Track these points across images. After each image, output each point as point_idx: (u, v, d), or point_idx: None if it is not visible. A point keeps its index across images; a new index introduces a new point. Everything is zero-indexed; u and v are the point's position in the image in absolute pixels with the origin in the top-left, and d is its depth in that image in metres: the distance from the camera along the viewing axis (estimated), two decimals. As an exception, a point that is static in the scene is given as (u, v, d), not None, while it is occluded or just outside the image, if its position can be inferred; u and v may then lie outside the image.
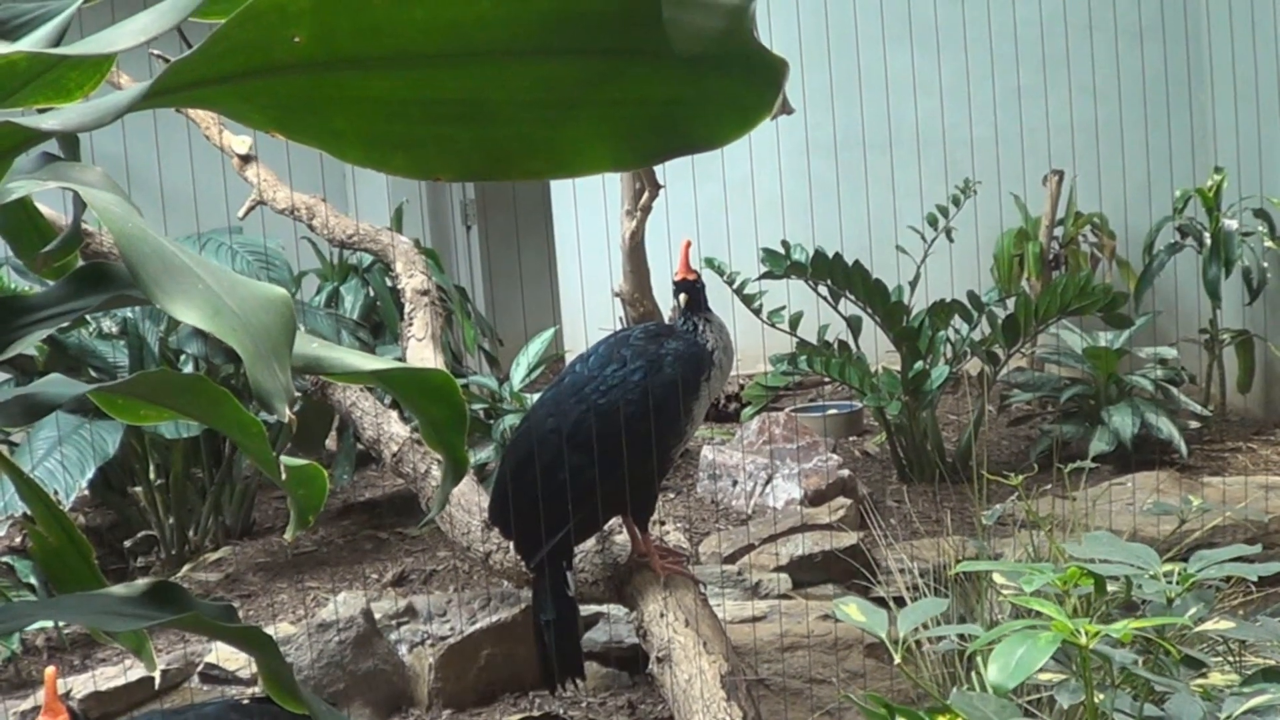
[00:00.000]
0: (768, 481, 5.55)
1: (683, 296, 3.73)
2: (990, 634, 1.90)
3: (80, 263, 1.67)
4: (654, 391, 3.61)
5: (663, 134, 1.02)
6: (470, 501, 4.24)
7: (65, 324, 1.39)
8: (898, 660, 1.99)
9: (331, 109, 1.07)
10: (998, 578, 2.56)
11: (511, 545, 3.88)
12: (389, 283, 6.28)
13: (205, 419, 1.69)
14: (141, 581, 1.47)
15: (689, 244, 3.85)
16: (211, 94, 1.11)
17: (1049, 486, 4.53)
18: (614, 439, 3.57)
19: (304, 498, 1.85)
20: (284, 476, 1.43)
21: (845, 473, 5.56)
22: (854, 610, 2.08)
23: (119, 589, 1.47)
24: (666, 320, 4.08)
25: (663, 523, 4.90)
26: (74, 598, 1.56)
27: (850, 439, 6.64)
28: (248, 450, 1.63)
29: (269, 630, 4.28)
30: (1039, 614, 1.95)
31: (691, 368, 3.67)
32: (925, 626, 2.38)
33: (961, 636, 2.27)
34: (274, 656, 1.48)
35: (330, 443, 6.55)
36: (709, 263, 5.75)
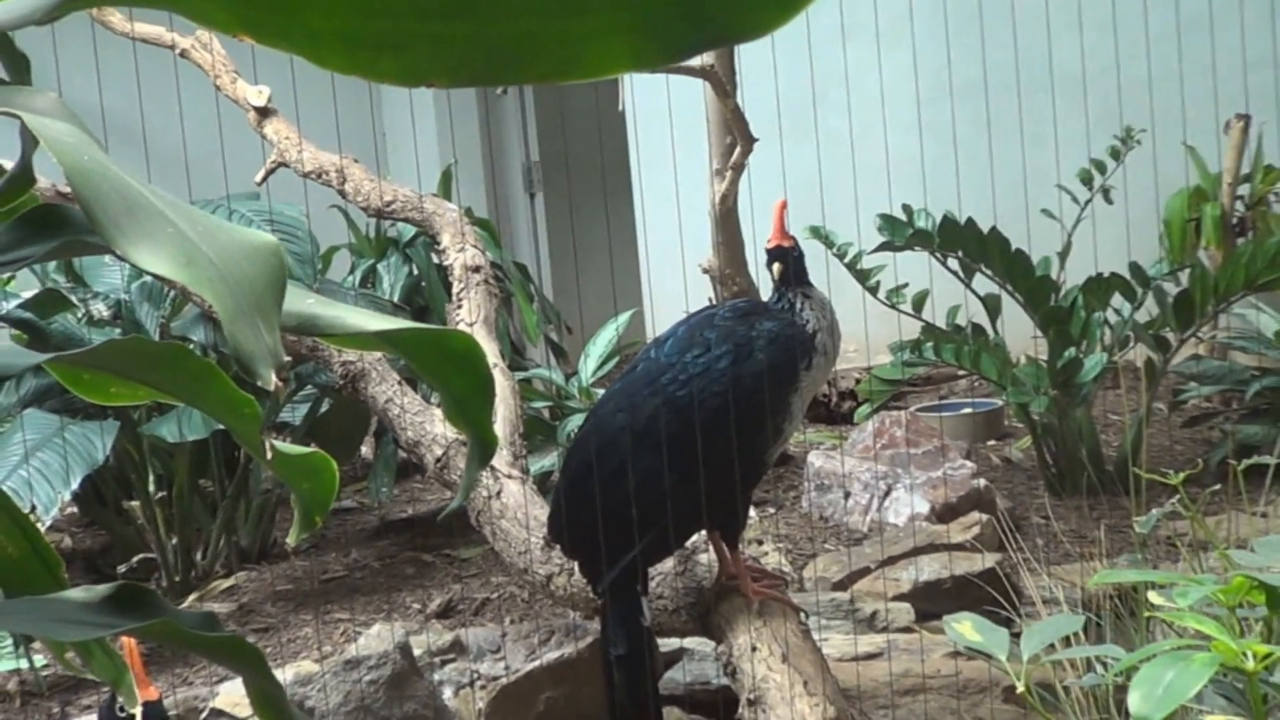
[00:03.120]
0: (887, 493, 5.53)
1: (777, 266, 3.70)
2: (1134, 656, 1.87)
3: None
4: (744, 382, 3.59)
5: (691, 22, 1.01)
6: (529, 515, 4.25)
7: (10, 272, 1.41)
8: (1020, 688, 1.97)
9: (307, 6, 1.07)
10: (1154, 598, 2.53)
11: (575, 566, 3.89)
12: (435, 259, 6.32)
13: (187, 397, 1.70)
14: (104, 586, 1.49)
15: (784, 204, 3.82)
16: (168, -10, 1.11)
17: (1220, 493, 4.45)
18: (696, 438, 3.56)
19: (309, 493, 1.85)
20: (269, 456, 1.44)
21: (981, 483, 5.53)
22: (968, 629, 2.05)
23: (76, 593, 1.49)
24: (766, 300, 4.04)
25: (760, 542, 4.90)
26: (21, 602, 1.58)
27: (988, 443, 6.61)
28: (239, 435, 1.64)
29: (287, 670, 4.32)
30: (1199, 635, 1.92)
31: (789, 353, 3.64)
32: (1053, 648, 2.35)
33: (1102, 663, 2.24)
34: (263, 674, 1.49)
35: (367, 450, 6.62)
36: (814, 232, 5.74)
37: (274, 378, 1.32)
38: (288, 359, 1.39)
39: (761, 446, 3.67)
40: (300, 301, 1.55)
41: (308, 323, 1.54)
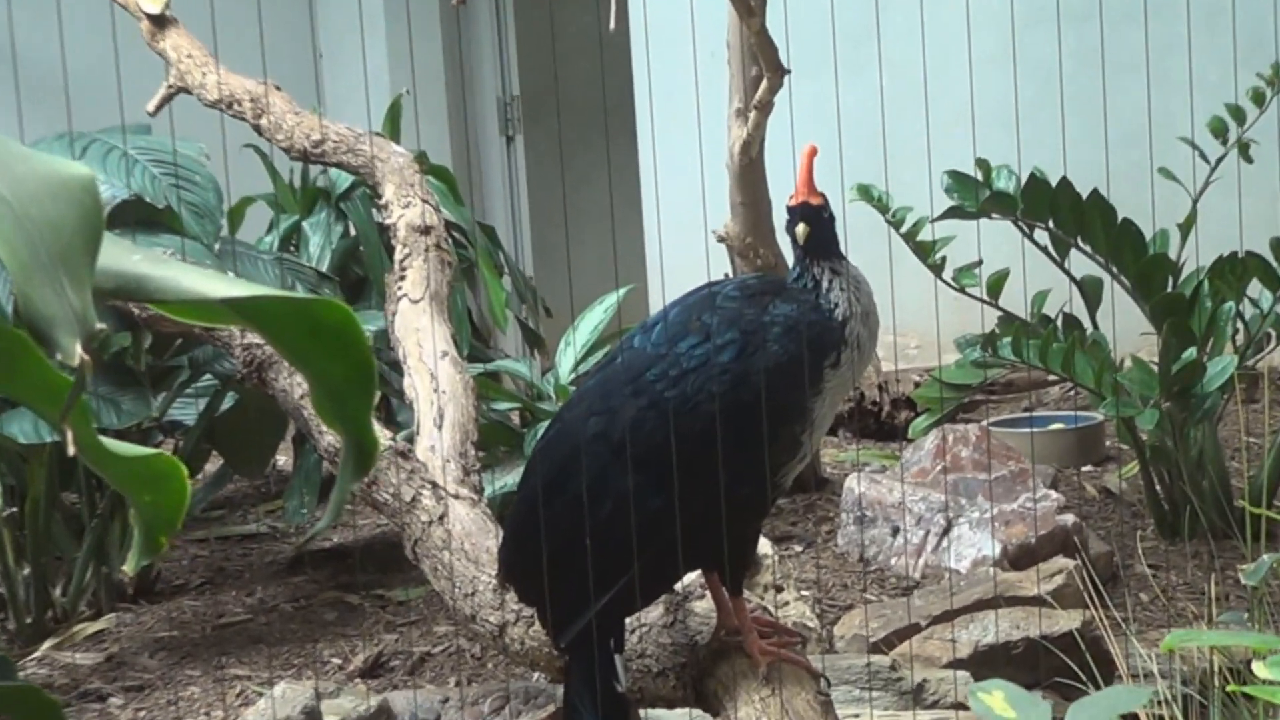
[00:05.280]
0: (946, 530, 5.51)
1: (801, 228, 3.65)
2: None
3: None
4: (752, 381, 3.57)
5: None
6: (480, 547, 4.25)
7: None
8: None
9: None
10: (1259, 670, 2.51)
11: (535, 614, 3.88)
12: (377, 216, 6.31)
13: (-12, 377, 1.69)
14: None
15: (814, 151, 3.79)
16: None
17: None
18: (690, 451, 3.54)
19: (152, 508, 1.84)
20: (71, 452, 1.43)
21: (1069, 519, 5.50)
22: (998, 701, 2.04)
23: None
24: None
25: (779, 588, 4.89)
26: None
27: (1081, 468, 6.60)
28: (57, 428, 1.63)
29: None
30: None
31: (811, 346, 3.62)
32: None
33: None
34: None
35: (286, 459, 6.61)
36: (862, 192, 5.71)
37: (79, 349, 1.31)
38: (100, 327, 1.38)
39: (774, 465, 3.65)
40: (123, 257, 1.53)
41: (130, 284, 1.52)
